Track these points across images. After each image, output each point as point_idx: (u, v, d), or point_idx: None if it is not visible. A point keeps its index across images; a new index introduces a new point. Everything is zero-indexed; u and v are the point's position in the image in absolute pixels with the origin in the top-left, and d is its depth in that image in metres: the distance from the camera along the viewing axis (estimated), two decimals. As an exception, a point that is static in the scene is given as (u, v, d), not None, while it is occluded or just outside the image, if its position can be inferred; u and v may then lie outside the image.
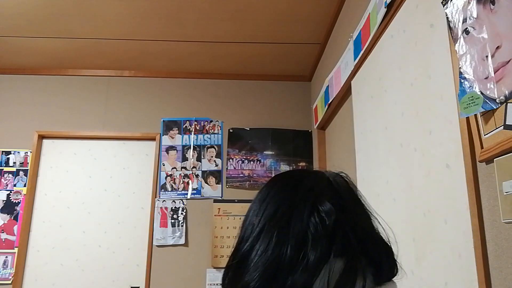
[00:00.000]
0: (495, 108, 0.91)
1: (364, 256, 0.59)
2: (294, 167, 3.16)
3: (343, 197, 0.65)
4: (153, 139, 3.21)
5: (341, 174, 0.70)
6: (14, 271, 2.89)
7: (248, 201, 3.20)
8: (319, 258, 0.57)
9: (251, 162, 3.17)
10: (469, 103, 0.98)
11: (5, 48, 2.99)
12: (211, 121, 3.25)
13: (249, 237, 0.63)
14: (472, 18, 1.00)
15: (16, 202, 3.02)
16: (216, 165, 3.16)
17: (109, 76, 3.31)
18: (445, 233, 1.13)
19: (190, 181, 3.12)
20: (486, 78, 0.93)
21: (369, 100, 1.83)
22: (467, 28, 1.02)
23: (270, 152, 3.19)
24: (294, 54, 3.04)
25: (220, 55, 3.06)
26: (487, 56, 0.93)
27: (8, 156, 3.10)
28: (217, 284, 2.93)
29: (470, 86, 0.99)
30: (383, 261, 0.62)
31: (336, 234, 0.59)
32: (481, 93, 0.95)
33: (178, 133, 3.21)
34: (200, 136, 3.22)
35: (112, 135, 3.20)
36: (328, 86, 2.58)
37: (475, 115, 0.99)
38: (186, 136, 3.21)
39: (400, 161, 1.47)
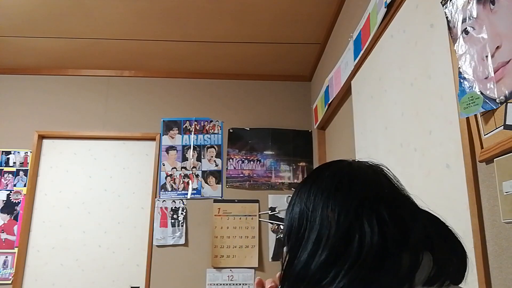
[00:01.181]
0: (495, 108, 0.91)
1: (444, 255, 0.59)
2: (294, 167, 3.16)
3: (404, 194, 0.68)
4: (153, 139, 3.21)
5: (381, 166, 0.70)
6: (14, 271, 2.89)
7: (249, 201, 3.19)
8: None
9: (251, 162, 3.17)
10: (469, 103, 0.98)
11: (5, 48, 2.99)
12: (211, 121, 3.25)
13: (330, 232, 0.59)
14: (472, 18, 1.00)
15: (16, 202, 3.02)
16: (216, 165, 3.16)
17: (109, 76, 3.31)
18: (445, 233, 1.13)
19: (190, 181, 3.12)
20: (486, 78, 0.93)
21: (369, 100, 1.83)
22: (466, 28, 1.02)
23: (270, 152, 3.19)
24: (294, 54, 3.03)
25: (220, 55, 3.06)
26: (487, 56, 0.93)
27: (8, 156, 3.10)
28: (217, 284, 2.93)
29: (470, 86, 0.99)
30: (442, 257, 0.60)
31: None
32: (481, 93, 0.95)
33: (178, 133, 3.21)
34: (200, 136, 3.22)
35: (112, 135, 3.20)
36: (328, 86, 2.58)
37: (475, 115, 0.99)
38: (186, 136, 3.21)
39: (400, 161, 1.47)
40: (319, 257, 0.57)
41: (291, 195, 0.71)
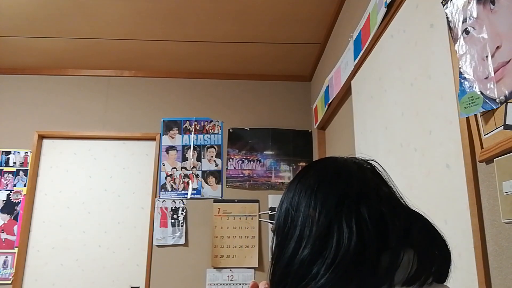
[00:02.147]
0: (495, 108, 0.91)
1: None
2: (294, 167, 3.16)
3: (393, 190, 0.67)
4: (153, 139, 3.21)
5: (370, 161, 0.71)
6: (14, 271, 2.89)
7: (249, 201, 3.19)
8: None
9: (251, 162, 3.17)
10: (469, 103, 0.98)
11: (5, 48, 2.99)
12: (211, 121, 3.25)
13: (311, 233, 0.60)
14: (472, 18, 1.00)
15: (16, 202, 3.02)
16: (216, 165, 3.16)
17: (109, 76, 3.31)
18: (445, 233, 1.13)
19: (190, 181, 3.12)
20: (486, 78, 0.93)
21: (369, 100, 1.83)
22: (467, 28, 1.02)
23: (270, 152, 3.19)
24: (294, 54, 3.03)
25: (220, 55, 3.06)
26: (487, 56, 0.93)
27: (8, 156, 3.10)
28: (217, 284, 2.93)
29: (470, 86, 0.99)
30: (424, 255, 0.60)
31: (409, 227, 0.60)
32: (481, 93, 0.95)
33: (178, 133, 3.21)
34: (200, 136, 3.22)
35: (112, 135, 3.20)
36: (328, 86, 2.58)
37: (475, 115, 0.99)
38: (186, 136, 3.21)
39: (400, 161, 1.47)
40: (300, 255, 0.58)
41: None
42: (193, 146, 3.20)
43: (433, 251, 0.60)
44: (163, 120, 3.23)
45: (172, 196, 3.08)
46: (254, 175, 3.15)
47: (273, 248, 0.66)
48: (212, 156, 3.18)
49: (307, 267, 0.57)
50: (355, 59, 2.00)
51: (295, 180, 0.68)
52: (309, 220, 0.61)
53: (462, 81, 1.02)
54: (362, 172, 0.67)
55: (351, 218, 0.58)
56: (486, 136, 0.96)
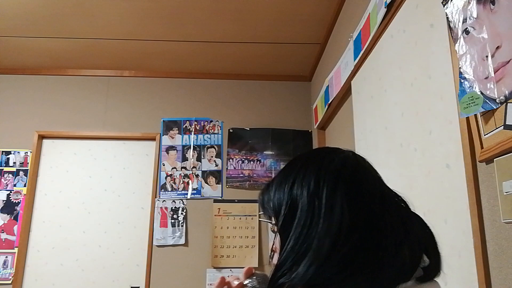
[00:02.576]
0: (495, 108, 0.91)
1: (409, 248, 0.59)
2: (294, 167, 3.15)
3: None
4: (153, 139, 3.21)
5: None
6: (14, 271, 2.89)
7: (249, 201, 3.19)
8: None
9: (251, 162, 3.17)
10: (469, 103, 0.98)
11: (5, 48, 2.99)
12: (211, 121, 3.25)
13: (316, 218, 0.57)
14: (472, 18, 1.00)
15: (16, 202, 3.02)
16: (216, 165, 3.16)
17: (109, 76, 3.31)
18: (445, 233, 1.13)
19: (190, 181, 3.12)
20: (486, 78, 0.93)
21: (369, 100, 1.83)
22: (467, 28, 1.02)
23: (270, 152, 3.19)
24: (294, 54, 3.03)
25: (220, 55, 3.06)
26: (487, 56, 0.93)
27: (8, 156, 3.10)
28: (217, 284, 2.93)
29: (470, 86, 0.99)
30: (432, 256, 0.61)
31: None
32: (481, 93, 0.95)
33: (178, 133, 3.21)
34: (200, 136, 3.22)
35: (112, 135, 3.20)
36: (328, 86, 2.58)
37: (475, 115, 0.99)
38: (186, 136, 3.21)
39: (400, 161, 1.47)
40: (338, 252, 0.55)
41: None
42: (193, 146, 3.20)
43: (434, 251, 0.62)
44: (163, 120, 3.23)
45: (172, 196, 3.08)
46: (254, 175, 3.15)
47: (283, 238, 0.61)
48: (212, 156, 3.18)
49: (339, 265, 0.55)
50: (355, 59, 2.00)
51: (313, 165, 0.63)
52: (346, 213, 0.57)
53: (462, 81, 1.02)
54: (376, 172, 0.66)
55: (382, 214, 0.58)
56: (486, 136, 0.96)
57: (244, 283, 0.66)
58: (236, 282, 0.65)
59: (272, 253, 0.65)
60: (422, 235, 0.62)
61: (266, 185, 0.68)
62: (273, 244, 0.65)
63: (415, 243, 0.59)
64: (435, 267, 0.61)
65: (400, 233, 0.58)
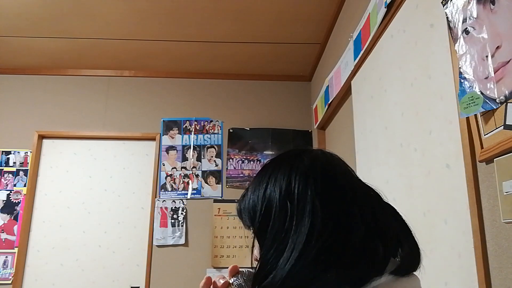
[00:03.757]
0: (495, 108, 0.91)
1: (382, 241, 0.59)
2: (294, 167, 3.15)
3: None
4: (153, 139, 3.21)
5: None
6: (14, 271, 2.89)
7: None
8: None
9: (251, 162, 3.17)
10: (469, 103, 0.98)
11: (5, 48, 2.99)
12: (211, 121, 3.25)
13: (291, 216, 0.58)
14: (472, 18, 1.00)
15: (16, 202, 3.02)
16: (216, 165, 3.16)
17: (109, 76, 3.31)
18: (445, 233, 1.13)
19: (190, 181, 3.12)
20: (486, 78, 0.93)
21: (369, 100, 1.83)
22: (467, 28, 1.02)
23: (270, 152, 3.19)
24: (294, 54, 3.03)
25: (220, 55, 3.06)
26: (487, 56, 0.93)
27: (8, 156, 3.10)
28: (217, 284, 2.93)
29: (470, 86, 0.99)
30: (404, 248, 0.62)
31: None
32: (481, 93, 0.95)
33: (178, 133, 3.21)
34: (200, 136, 3.22)
35: (112, 135, 3.20)
36: (328, 86, 2.58)
37: (475, 115, 0.99)
38: (186, 136, 3.21)
39: (400, 161, 1.47)
40: (311, 251, 0.55)
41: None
42: (193, 146, 3.20)
43: (410, 243, 0.63)
44: (163, 120, 3.23)
45: (172, 196, 3.08)
46: (254, 175, 3.14)
47: (261, 244, 0.62)
48: (212, 156, 3.18)
49: (315, 266, 0.55)
50: (355, 59, 2.00)
51: (284, 165, 0.64)
52: (318, 212, 0.58)
53: (462, 81, 1.02)
54: (348, 167, 0.67)
55: (361, 211, 0.59)
56: (486, 136, 0.96)
57: (230, 282, 0.66)
58: (221, 281, 0.66)
59: (256, 262, 0.65)
60: (396, 227, 0.62)
61: (242, 195, 0.69)
62: (252, 252, 0.66)
63: (387, 235, 0.59)
64: (412, 258, 0.61)
65: (371, 226, 0.58)
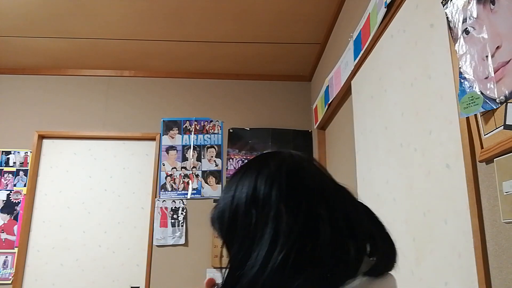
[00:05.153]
0: (495, 108, 0.91)
1: (354, 241, 0.57)
2: (294, 167, 3.15)
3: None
4: (153, 139, 3.21)
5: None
6: (14, 271, 2.89)
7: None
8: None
9: (251, 162, 3.17)
10: (469, 103, 0.98)
11: (5, 48, 2.99)
12: (211, 121, 3.25)
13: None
14: (472, 18, 1.00)
15: (16, 202, 3.02)
16: (216, 165, 3.16)
17: (109, 76, 3.31)
18: (445, 233, 1.13)
19: (190, 181, 3.12)
20: (486, 78, 0.93)
21: (369, 100, 1.83)
22: (467, 28, 1.02)
23: (270, 152, 3.18)
24: (294, 54, 3.03)
25: (220, 55, 3.06)
26: (487, 56, 0.93)
27: (8, 156, 3.10)
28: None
29: (470, 86, 0.99)
30: (381, 248, 0.60)
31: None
32: (481, 93, 0.95)
33: (178, 133, 3.21)
34: (200, 136, 3.22)
35: (112, 135, 3.20)
36: (328, 86, 2.58)
37: (475, 115, 0.99)
38: (186, 136, 3.21)
39: (400, 161, 1.47)
40: (276, 259, 0.54)
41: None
42: (193, 146, 3.20)
43: (385, 243, 0.62)
44: (163, 120, 3.23)
45: (172, 196, 3.08)
46: (254, 175, 3.14)
47: (230, 252, 0.61)
48: (212, 156, 3.18)
49: (282, 271, 0.53)
50: (355, 59, 2.00)
51: (252, 170, 0.63)
52: (283, 216, 0.56)
53: (462, 81, 1.02)
54: (319, 169, 0.66)
55: (325, 214, 0.57)
56: (486, 136, 0.96)
57: None
58: None
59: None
60: (369, 226, 0.61)
61: (215, 204, 0.68)
62: (221, 261, 0.66)
63: (359, 235, 0.58)
64: (387, 258, 0.60)
65: (340, 227, 0.57)
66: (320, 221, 0.56)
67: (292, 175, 0.61)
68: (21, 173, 3.07)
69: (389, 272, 0.60)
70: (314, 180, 0.62)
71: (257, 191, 0.60)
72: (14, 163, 3.09)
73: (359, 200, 0.65)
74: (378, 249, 0.60)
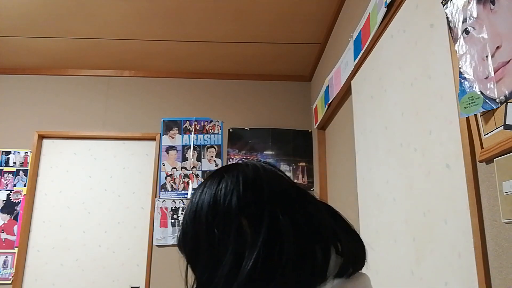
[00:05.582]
0: (495, 108, 0.91)
1: (319, 243, 0.57)
2: (294, 167, 3.16)
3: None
4: (153, 139, 3.21)
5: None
6: (14, 271, 2.89)
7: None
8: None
9: (251, 162, 3.16)
10: (469, 103, 0.98)
11: (5, 48, 2.99)
12: (211, 121, 3.25)
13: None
14: (472, 18, 1.00)
15: (16, 202, 3.02)
16: (216, 165, 3.16)
17: (109, 76, 3.31)
18: (445, 233, 1.13)
19: (190, 181, 3.12)
20: (486, 78, 0.93)
21: (369, 100, 1.83)
22: (467, 28, 1.02)
23: (270, 152, 3.19)
24: (294, 54, 3.03)
25: (220, 55, 3.06)
26: (487, 56, 0.93)
27: (8, 156, 3.10)
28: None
29: (470, 86, 0.99)
30: (348, 247, 0.60)
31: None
32: (481, 93, 0.95)
33: (178, 133, 3.21)
34: (200, 136, 3.22)
35: (112, 135, 3.20)
36: (328, 86, 2.58)
37: (475, 115, 0.99)
38: (186, 136, 3.21)
39: (400, 161, 1.47)
40: (244, 269, 0.54)
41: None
42: (193, 146, 3.20)
43: (352, 241, 0.62)
44: (163, 120, 3.23)
45: (172, 196, 3.08)
46: (254, 175, 3.14)
47: (196, 272, 0.61)
48: (212, 156, 3.18)
49: (255, 285, 0.53)
50: (355, 59, 2.00)
51: (210, 186, 0.63)
52: (245, 229, 0.57)
53: (462, 81, 1.02)
54: (280, 177, 0.65)
55: (287, 220, 0.57)
56: (486, 136, 0.96)
57: None
58: None
59: None
60: (333, 225, 0.61)
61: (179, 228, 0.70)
62: (186, 282, 0.66)
63: (324, 235, 0.58)
64: (355, 255, 0.60)
65: (304, 230, 0.57)
66: (283, 228, 0.56)
67: (250, 185, 0.60)
68: (21, 173, 3.07)
69: (361, 272, 0.60)
70: (272, 187, 0.61)
71: (216, 207, 0.60)
72: (14, 163, 3.09)
73: (321, 200, 0.64)
74: (345, 249, 0.59)
